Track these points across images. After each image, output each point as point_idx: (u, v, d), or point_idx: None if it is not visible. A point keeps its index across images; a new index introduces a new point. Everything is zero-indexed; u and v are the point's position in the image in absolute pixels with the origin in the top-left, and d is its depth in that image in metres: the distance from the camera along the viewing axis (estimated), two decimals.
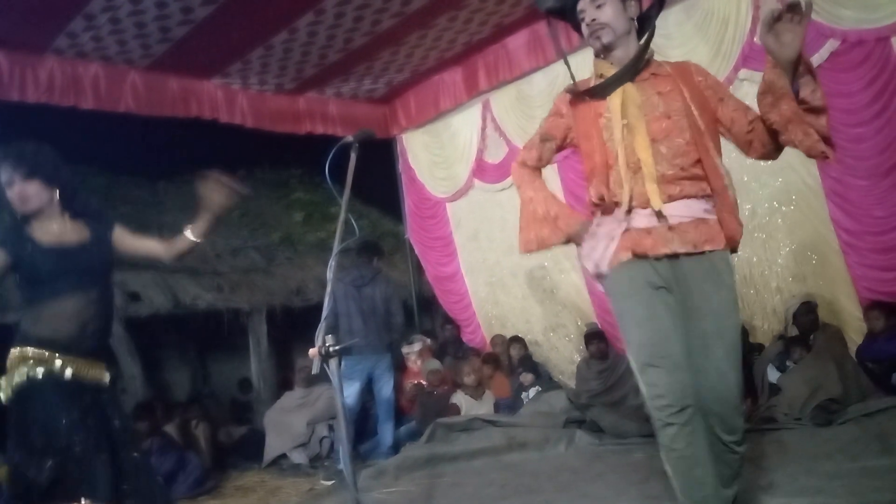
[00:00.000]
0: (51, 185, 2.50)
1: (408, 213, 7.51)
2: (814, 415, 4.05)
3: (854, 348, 4.56)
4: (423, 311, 7.72)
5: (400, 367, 6.27)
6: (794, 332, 4.70)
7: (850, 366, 4.30)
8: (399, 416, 5.59)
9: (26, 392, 2.36)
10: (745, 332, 5.05)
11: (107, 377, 2.52)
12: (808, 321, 4.64)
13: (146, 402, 5.80)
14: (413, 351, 6.20)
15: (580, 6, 2.20)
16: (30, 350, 2.39)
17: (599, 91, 2.21)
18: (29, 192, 2.45)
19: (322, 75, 6.22)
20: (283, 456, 5.62)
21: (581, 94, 2.27)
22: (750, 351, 4.99)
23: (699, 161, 2.15)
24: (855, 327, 4.68)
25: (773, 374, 4.62)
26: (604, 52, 2.22)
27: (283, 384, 6.69)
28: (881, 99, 4.40)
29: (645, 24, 2.25)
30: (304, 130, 6.61)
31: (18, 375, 2.37)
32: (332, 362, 2.01)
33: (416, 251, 7.44)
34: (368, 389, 5.31)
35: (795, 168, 4.84)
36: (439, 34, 5.77)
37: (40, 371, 2.37)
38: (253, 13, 4.92)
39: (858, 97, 4.49)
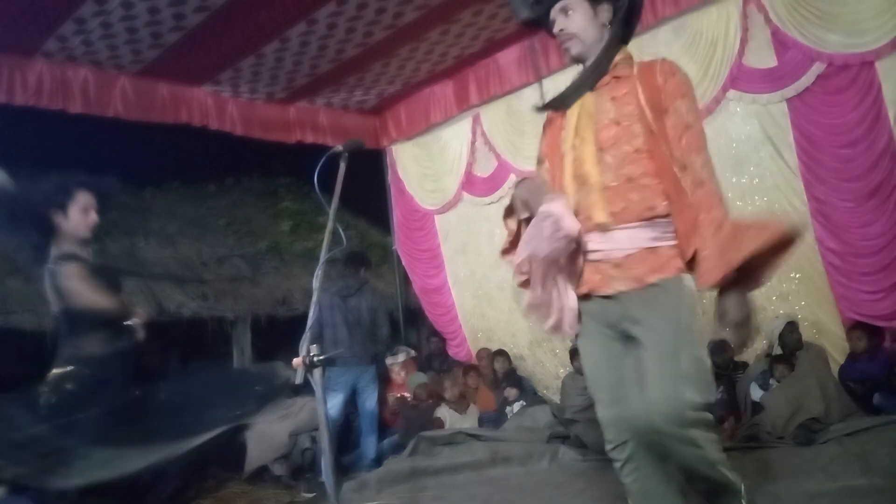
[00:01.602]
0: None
1: (396, 225, 7.50)
2: (796, 434, 4.07)
3: (837, 368, 4.59)
4: (409, 324, 7.69)
5: (384, 379, 6.23)
6: (778, 350, 4.73)
7: (832, 385, 4.33)
8: (382, 429, 5.56)
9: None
10: (728, 350, 5.08)
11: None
12: (792, 340, 4.67)
13: None
14: (397, 362, 6.18)
15: (552, 15, 2.11)
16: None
17: (559, 102, 2.14)
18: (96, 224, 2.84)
19: (313, 85, 6.22)
20: (264, 467, 5.56)
21: (542, 108, 2.20)
22: (734, 369, 5.02)
23: (653, 170, 1.96)
24: (838, 347, 4.72)
25: (756, 393, 4.64)
26: (574, 62, 2.14)
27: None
28: (866, 121, 4.47)
29: (625, 27, 2.12)
30: (293, 139, 6.61)
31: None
32: (317, 372, 1.99)
33: (404, 263, 7.43)
34: (352, 401, 5.28)
35: (781, 188, 4.89)
36: (431, 47, 5.79)
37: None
38: (245, 22, 4.92)
39: (845, 119, 4.55)
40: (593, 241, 2.01)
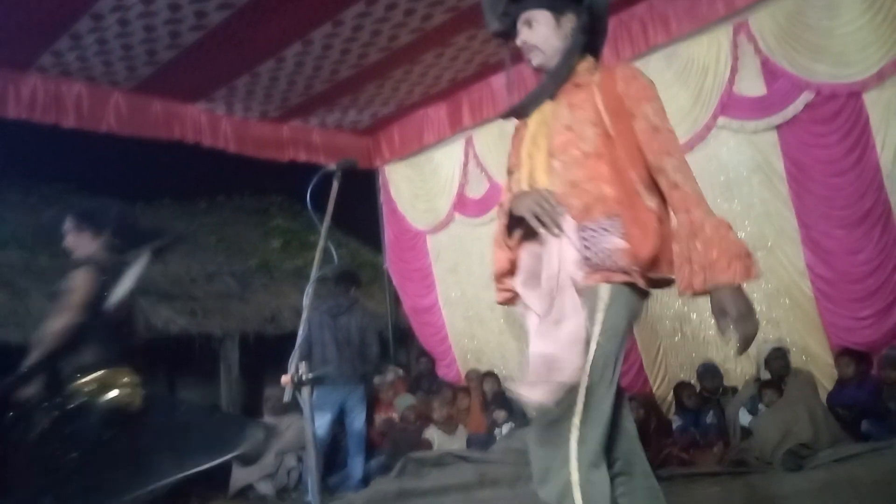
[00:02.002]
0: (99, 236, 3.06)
1: (387, 244, 7.50)
2: (785, 459, 4.07)
3: (825, 394, 4.60)
4: (399, 343, 7.66)
5: (373, 399, 6.19)
6: (766, 375, 4.74)
7: (820, 411, 4.34)
8: (370, 450, 5.51)
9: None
10: (718, 375, 5.09)
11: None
12: (778, 366, 4.69)
13: None
14: (385, 381, 6.14)
15: (518, 26, 2.07)
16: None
17: (519, 111, 2.10)
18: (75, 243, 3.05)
19: (307, 105, 6.25)
20: (250, 486, 5.48)
21: (504, 116, 2.17)
22: (723, 393, 5.02)
23: (602, 175, 1.87)
24: (826, 373, 4.74)
25: (745, 418, 4.64)
26: (538, 71, 2.10)
27: (254, 413, 6.57)
28: (854, 151, 4.53)
29: (589, 36, 2.06)
30: (286, 158, 6.62)
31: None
32: (305, 391, 1.98)
33: (395, 282, 7.42)
34: (340, 421, 5.23)
35: (771, 214, 4.94)
36: (425, 70, 5.85)
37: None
38: (241, 41, 4.95)
39: (833, 148, 4.62)
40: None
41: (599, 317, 1.80)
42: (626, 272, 1.83)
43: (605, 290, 1.83)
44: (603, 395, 1.75)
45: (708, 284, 1.80)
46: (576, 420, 1.72)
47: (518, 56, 2.12)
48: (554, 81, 2.02)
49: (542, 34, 2.02)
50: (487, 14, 2.13)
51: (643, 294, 1.90)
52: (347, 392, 5.13)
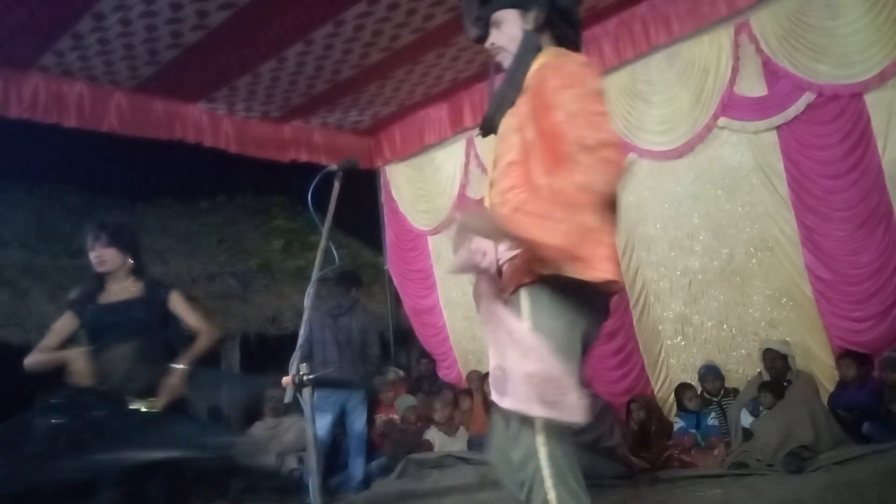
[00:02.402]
0: (124, 252, 3.07)
1: (388, 245, 7.50)
2: (786, 461, 4.06)
3: (827, 396, 4.59)
4: (400, 344, 7.65)
5: (373, 400, 6.19)
6: (768, 377, 4.74)
7: (822, 413, 4.33)
8: (370, 451, 5.50)
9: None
10: (720, 376, 5.08)
11: (145, 407, 2.92)
12: (774, 367, 4.68)
13: None
14: (386, 381, 6.14)
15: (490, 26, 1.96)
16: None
17: (485, 127, 2.00)
18: (105, 257, 3.03)
19: (308, 105, 6.25)
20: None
21: (478, 134, 2.08)
22: (724, 395, 5.01)
23: (519, 183, 1.80)
24: (827, 375, 4.73)
25: (746, 419, 4.63)
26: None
27: (254, 414, 6.56)
28: (856, 152, 4.52)
29: (557, 31, 1.97)
30: (288, 158, 6.61)
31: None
32: (306, 392, 1.97)
33: (395, 283, 7.42)
34: (340, 422, 5.23)
35: (772, 215, 4.93)
36: (426, 70, 5.84)
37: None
38: (242, 41, 4.95)
39: (834, 150, 4.61)
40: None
41: (527, 323, 1.74)
42: (531, 272, 1.74)
43: (523, 296, 1.78)
44: None
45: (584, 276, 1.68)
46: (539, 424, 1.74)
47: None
48: (511, 88, 1.89)
49: (509, 34, 1.93)
50: (465, 20, 2.04)
51: (581, 286, 1.70)
52: (348, 393, 5.12)
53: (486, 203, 1.94)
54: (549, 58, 1.86)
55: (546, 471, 1.74)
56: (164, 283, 3.27)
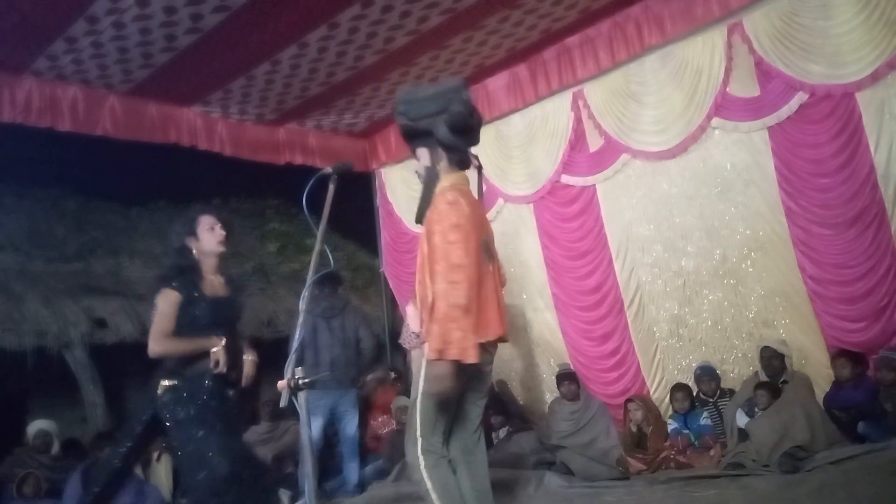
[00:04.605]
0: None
1: (384, 248, 7.49)
2: (781, 462, 4.06)
3: (822, 396, 4.60)
4: (395, 347, 7.64)
5: (367, 404, 6.19)
6: (763, 377, 4.74)
7: (817, 413, 4.34)
8: (364, 455, 5.49)
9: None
10: (716, 377, 5.09)
11: (232, 394, 3.33)
12: (771, 366, 4.69)
13: (107, 432, 5.65)
14: (376, 377, 6.14)
15: None
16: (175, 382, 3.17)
17: (417, 221, 2.84)
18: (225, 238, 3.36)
19: (303, 107, 6.25)
20: None
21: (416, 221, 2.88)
22: (720, 396, 5.02)
23: (421, 278, 2.67)
24: (823, 375, 4.74)
25: (741, 420, 4.64)
26: None
27: (250, 417, 6.55)
28: (846, 151, 4.54)
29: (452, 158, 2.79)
30: (282, 161, 6.60)
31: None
32: (301, 395, 1.97)
33: (391, 285, 7.41)
34: (331, 424, 5.21)
35: (764, 215, 4.95)
36: (421, 72, 5.84)
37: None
38: (236, 44, 4.95)
39: (825, 148, 4.62)
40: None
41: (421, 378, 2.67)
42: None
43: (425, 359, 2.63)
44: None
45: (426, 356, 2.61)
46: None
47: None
48: (423, 204, 2.76)
49: (421, 164, 2.81)
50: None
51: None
52: (338, 396, 5.11)
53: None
54: (443, 189, 2.72)
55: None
56: (239, 284, 3.60)
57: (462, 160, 2.78)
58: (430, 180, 2.73)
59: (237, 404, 3.38)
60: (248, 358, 3.38)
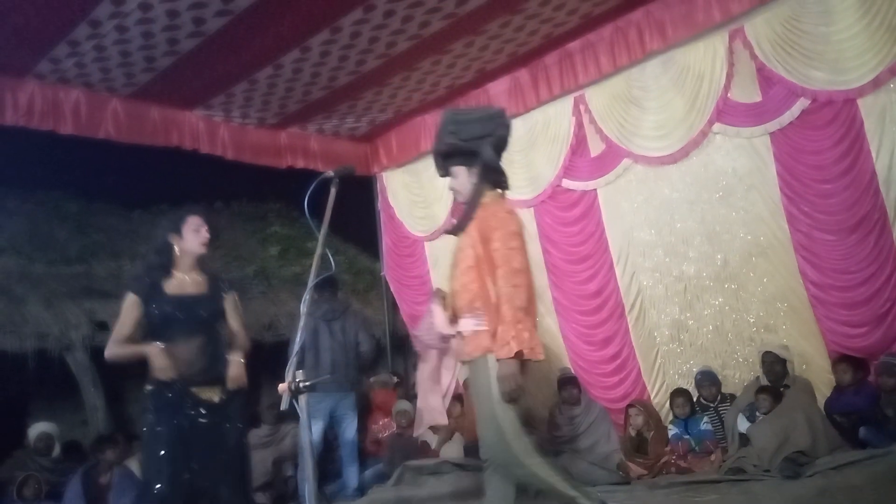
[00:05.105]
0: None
1: (385, 251, 7.49)
2: (782, 467, 4.05)
3: (823, 401, 4.59)
4: (397, 351, 7.64)
5: (367, 408, 6.18)
6: (765, 381, 4.74)
7: (818, 418, 4.33)
8: (364, 458, 5.48)
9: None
10: (717, 382, 5.09)
11: (217, 397, 3.17)
12: (773, 371, 4.69)
13: (108, 435, 5.64)
14: (379, 380, 6.12)
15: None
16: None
17: (452, 232, 3.03)
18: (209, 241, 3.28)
19: (305, 111, 6.26)
20: None
21: (447, 232, 3.18)
22: (721, 401, 5.01)
23: (475, 280, 2.79)
24: (824, 380, 4.73)
25: (743, 425, 4.63)
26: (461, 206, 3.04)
27: (251, 420, 6.54)
28: (848, 157, 4.54)
29: (490, 179, 2.94)
30: (284, 165, 6.62)
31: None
32: (302, 399, 1.97)
33: (392, 289, 7.41)
34: (331, 428, 5.21)
35: (766, 220, 4.95)
36: (423, 76, 5.86)
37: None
38: (239, 48, 4.96)
39: (827, 154, 4.63)
40: (456, 325, 2.90)
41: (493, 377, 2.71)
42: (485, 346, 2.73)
43: (492, 359, 2.72)
44: None
45: (499, 355, 2.69)
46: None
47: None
48: (466, 216, 2.92)
49: (460, 181, 2.94)
50: (437, 167, 3.08)
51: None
52: (337, 399, 5.10)
53: (449, 282, 3.00)
54: (489, 202, 2.90)
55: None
56: (225, 281, 3.46)
57: (497, 180, 2.97)
58: (475, 195, 2.91)
59: (228, 407, 3.19)
60: (234, 358, 3.23)
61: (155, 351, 3.06)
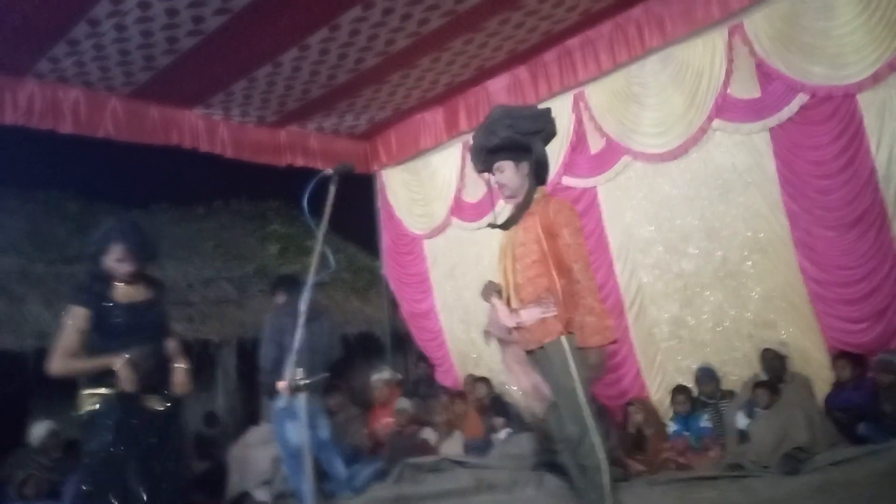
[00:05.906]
0: (144, 264, 3.19)
1: (385, 249, 7.50)
2: (782, 463, 4.06)
3: (822, 397, 4.60)
4: (397, 348, 7.65)
5: (368, 405, 6.18)
6: (764, 377, 4.75)
7: (817, 415, 4.34)
8: (364, 456, 5.46)
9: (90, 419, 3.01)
10: (716, 379, 5.09)
11: (161, 405, 3.12)
12: (772, 367, 4.69)
13: None
14: (382, 378, 6.10)
15: (493, 170, 3.12)
16: (101, 390, 3.00)
17: (503, 226, 3.12)
18: (133, 269, 3.13)
19: (304, 110, 6.26)
20: (246, 493, 5.46)
21: (493, 226, 3.20)
22: (721, 397, 5.02)
23: (542, 273, 2.93)
24: (823, 376, 4.73)
25: (742, 421, 4.64)
26: (507, 200, 3.14)
27: (251, 419, 6.56)
28: (847, 152, 4.54)
29: (539, 175, 3.07)
30: (283, 163, 6.62)
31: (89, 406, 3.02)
32: (301, 396, 1.98)
33: (392, 287, 7.42)
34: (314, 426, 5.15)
35: (765, 217, 4.95)
36: (422, 74, 5.86)
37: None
38: (238, 46, 4.96)
39: (826, 150, 4.63)
40: (518, 316, 2.99)
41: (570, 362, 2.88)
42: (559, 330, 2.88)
43: (566, 340, 2.88)
44: None
45: (587, 344, 2.86)
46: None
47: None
48: (520, 211, 3.03)
49: (508, 176, 3.05)
50: (473, 160, 3.22)
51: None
52: (310, 400, 5.03)
53: (509, 276, 3.06)
54: (550, 198, 3.05)
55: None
56: (163, 286, 3.38)
57: (543, 176, 3.11)
58: (530, 190, 3.03)
59: (170, 417, 3.13)
60: (178, 365, 3.17)
61: (121, 362, 2.96)
